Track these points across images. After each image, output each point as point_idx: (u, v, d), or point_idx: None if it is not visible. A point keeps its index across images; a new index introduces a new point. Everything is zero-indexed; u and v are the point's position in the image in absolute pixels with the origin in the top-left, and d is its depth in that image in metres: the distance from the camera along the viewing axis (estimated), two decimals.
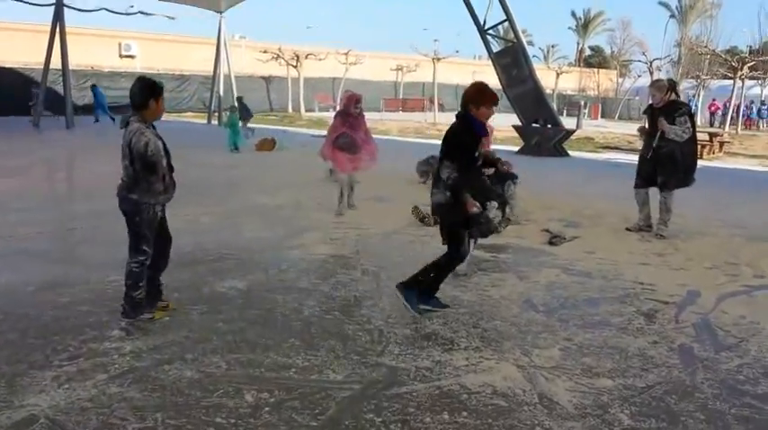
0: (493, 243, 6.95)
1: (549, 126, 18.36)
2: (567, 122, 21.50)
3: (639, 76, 49.00)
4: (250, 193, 9.91)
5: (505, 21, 19.28)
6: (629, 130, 29.14)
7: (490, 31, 19.71)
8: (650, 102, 7.65)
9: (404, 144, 20.29)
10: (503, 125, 26.72)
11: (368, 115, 9.29)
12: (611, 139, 25.64)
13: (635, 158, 8.42)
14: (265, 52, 37.27)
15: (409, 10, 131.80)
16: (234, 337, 4.29)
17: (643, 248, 7.11)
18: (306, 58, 37.24)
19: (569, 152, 18.63)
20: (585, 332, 4.59)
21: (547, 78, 31.57)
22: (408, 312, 4.74)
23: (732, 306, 5.22)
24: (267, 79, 39.95)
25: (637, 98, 51.02)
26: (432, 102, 37.74)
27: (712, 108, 40.09)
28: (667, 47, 53.30)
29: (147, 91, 4.30)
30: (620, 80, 57.31)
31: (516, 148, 18.36)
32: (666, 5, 55.73)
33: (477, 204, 4.67)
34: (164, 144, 4.40)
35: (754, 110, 39.42)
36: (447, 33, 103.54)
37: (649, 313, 5.03)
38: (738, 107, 33.04)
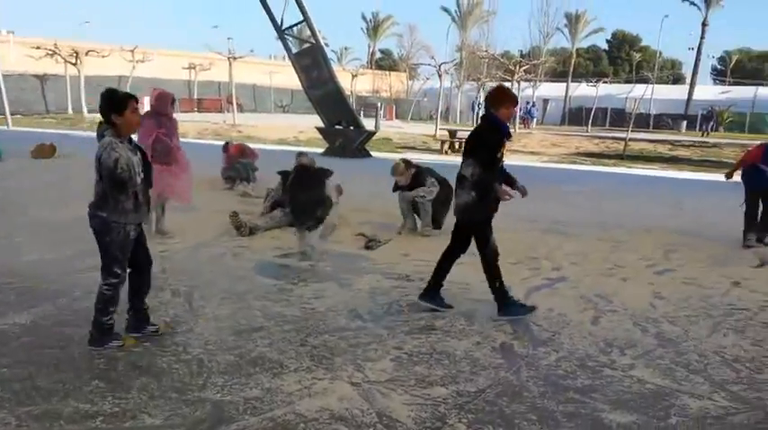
0: (311, 251, 6.77)
1: (351, 128, 18.63)
2: (366, 124, 21.98)
3: (428, 79, 51.94)
4: (28, 208, 8.68)
5: (303, 21, 19.19)
6: (424, 131, 30.74)
7: (288, 32, 19.52)
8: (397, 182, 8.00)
9: (204, 147, 19.37)
10: (308, 126, 26.82)
11: None
12: (408, 140, 26.79)
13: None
14: (38, 48, 33.56)
15: (199, 6, 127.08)
16: (22, 385, 3.60)
17: None
18: (86, 54, 34.19)
19: (371, 153, 19.06)
20: (413, 339, 4.55)
21: (343, 80, 32.02)
22: (519, 317, 4.97)
23: (540, 299, 5.53)
24: (42, 78, 36.07)
25: (425, 99, 54.12)
26: (230, 102, 36.63)
27: None
28: (450, 51, 57.14)
29: (108, 106, 4.04)
30: (410, 82, 60.40)
31: (320, 150, 18.37)
32: (447, 11, 59.66)
33: (510, 191, 4.93)
34: (143, 158, 4.19)
35: (527, 109, 43.63)
36: (240, 32, 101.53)
37: (468, 313, 5.13)
38: None
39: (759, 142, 8.79)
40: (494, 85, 33.26)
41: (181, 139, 7.44)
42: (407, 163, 8.14)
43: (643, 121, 42.80)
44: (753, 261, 6.93)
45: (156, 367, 3.94)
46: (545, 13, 54.09)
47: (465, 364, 4.15)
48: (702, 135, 37.29)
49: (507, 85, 39.25)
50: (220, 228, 7.64)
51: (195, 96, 45.01)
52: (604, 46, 72.69)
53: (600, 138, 31.26)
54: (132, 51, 37.33)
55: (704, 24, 51.42)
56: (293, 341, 4.43)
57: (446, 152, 23.79)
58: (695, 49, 52.56)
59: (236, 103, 36.66)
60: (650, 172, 19.27)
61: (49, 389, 3.58)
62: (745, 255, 7.15)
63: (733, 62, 65.82)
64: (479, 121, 5.13)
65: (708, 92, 51.68)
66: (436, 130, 29.02)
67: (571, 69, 55.85)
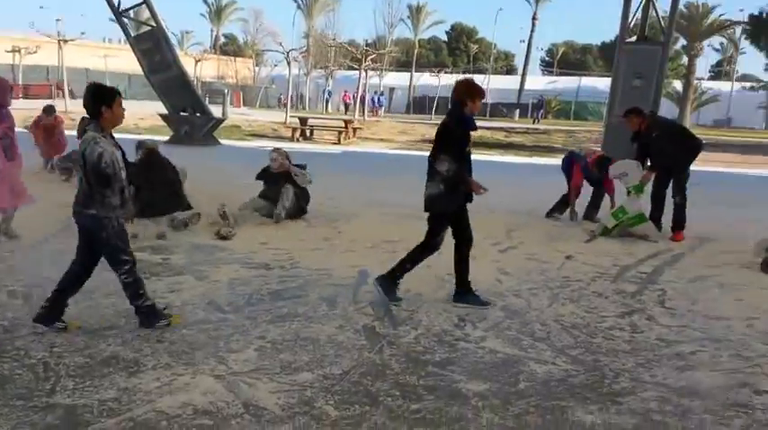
0: (162, 244, 6.53)
1: (198, 114, 17.99)
2: (213, 111, 21.31)
3: (276, 65, 51.25)
4: None
5: (142, 3, 18.19)
6: (273, 118, 30.33)
7: (125, 14, 18.41)
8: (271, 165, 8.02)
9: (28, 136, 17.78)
10: (148, 113, 25.47)
11: None
12: (257, 128, 26.32)
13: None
14: None
15: None
16: None
17: (311, 234, 7.38)
18: None
19: (220, 140, 18.55)
20: (277, 327, 4.54)
21: (186, 65, 30.61)
22: (386, 303, 5.03)
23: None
24: None
25: (273, 86, 53.41)
26: (60, 88, 33.86)
27: (345, 98, 44.11)
28: (297, 38, 56.70)
29: (98, 98, 4.07)
30: (257, 69, 59.24)
31: (165, 138, 17.55)
32: None
33: (483, 186, 5.03)
34: (123, 155, 4.19)
35: (376, 98, 44.56)
36: (70, 13, 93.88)
37: (330, 298, 5.20)
38: (364, 96, 36.89)
39: (595, 154, 9.20)
40: (342, 73, 33.47)
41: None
42: (287, 155, 8.09)
43: (481, 110, 45.17)
44: (583, 236, 7.63)
45: None
46: (389, 4, 55.32)
47: (329, 348, 4.22)
48: (534, 122, 40.22)
49: (355, 73, 39.81)
50: (59, 223, 7.10)
51: (21, 82, 41.05)
52: (444, 37, 75.66)
53: None
54: None
55: (534, 18, 55.22)
56: (149, 338, 4.25)
57: (297, 139, 23.67)
58: (526, 42, 56.37)
59: (68, 89, 33.97)
60: (490, 157, 20.42)
61: None
62: (575, 233, 7.84)
63: (559, 54, 71.26)
64: (446, 117, 5.12)
65: (537, 82, 55.68)
66: (287, 118, 28.74)
67: (414, 59, 57.65)
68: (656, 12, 18.02)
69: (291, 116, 28.90)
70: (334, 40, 40.72)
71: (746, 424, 3.41)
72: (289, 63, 32.14)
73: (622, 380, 3.91)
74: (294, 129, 24.60)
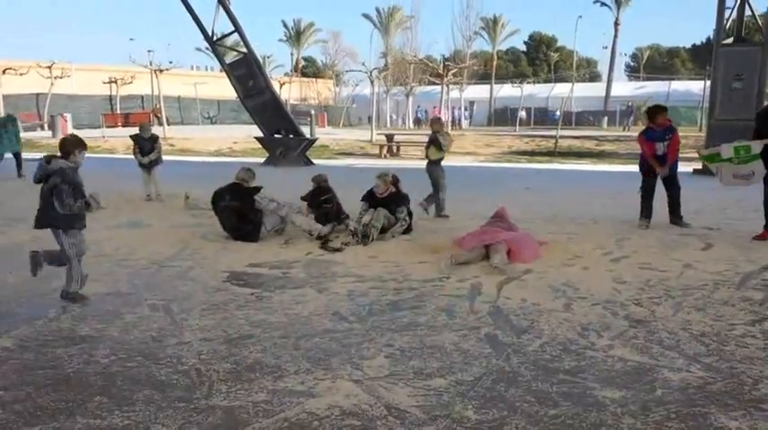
0: (277, 260, 6.83)
1: (292, 136, 18.60)
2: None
3: (357, 85, 52.18)
4: None
5: (234, 32, 19.04)
6: (358, 136, 30.91)
7: (219, 43, 19.32)
8: (374, 189, 8.29)
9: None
10: (239, 137, 26.53)
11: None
12: (345, 146, 26.89)
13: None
14: None
15: (112, 20, 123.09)
16: (24, 406, 3.54)
17: (417, 248, 7.51)
18: (3, 73, 32.79)
19: (312, 160, 19.09)
20: (401, 335, 4.68)
21: None
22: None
23: (511, 291, 5.75)
24: None
25: (354, 105, 54.35)
26: (157, 116, 35.78)
27: (435, 112, 44.65)
28: (375, 56, 57.54)
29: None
30: (338, 89, 60.50)
31: (261, 160, 18.25)
32: (369, 17, 60.15)
33: None
34: None
35: (456, 112, 44.69)
36: (155, 45, 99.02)
37: (447, 308, 5.30)
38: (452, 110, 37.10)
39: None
40: (422, 88, 33.63)
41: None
42: (395, 178, 8.43)
43: (567, 119, 44.43)
44: (698, 244, 7.41)
45: (155, 379, 3.93)
46: (467, 18, 55.38)
47: (456, 356, 4.31)
48: (624, 129, 39.08)
49: (433, 88, 40.01)
50: (178, 244, 7.59)
51: (118, 111, 43.69)
52: (522, 48, 74.89)
53: (529, 136, 32.25)
54: (50, 68, 36.02)
55: (616, 24, 53.84)
56: (285, 345, 4.48)
57: (385, 156, 24.07)
58: (609, 48, 54.98)
59: (164, 116, 35.86)
60: (583, 166, 20.09)
61: (53, 408, 3.54)
62: (690, 241, 7.62)
63: (645, 59, 69.10)
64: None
65: (624, 88, 54.11)
66: (372, 135, 29.23)
67: (494, 71, 57.33)
68: (753, 11, 17.29)
69: (379, 133, 29.33)
70: (415, 56, 41.10)
71: None
72: (372, 82, 32.69)
73: (763, 387, 3.81)
74: (381, 146, 25.02)
